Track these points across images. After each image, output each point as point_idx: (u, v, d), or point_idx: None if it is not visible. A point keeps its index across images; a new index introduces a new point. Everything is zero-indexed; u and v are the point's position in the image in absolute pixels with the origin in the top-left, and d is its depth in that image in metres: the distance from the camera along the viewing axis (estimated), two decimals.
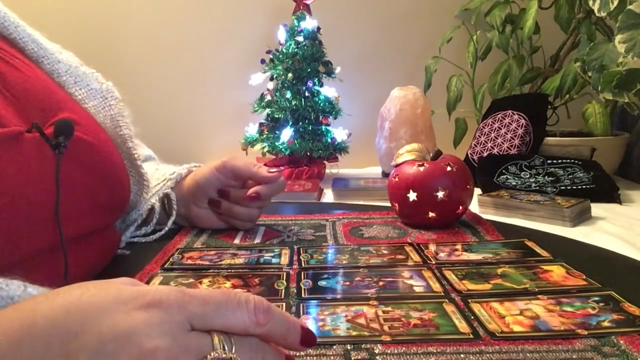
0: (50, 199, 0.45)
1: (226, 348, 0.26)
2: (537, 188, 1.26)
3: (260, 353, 0.28)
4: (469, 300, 0.44)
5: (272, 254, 0.58)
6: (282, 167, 1.57)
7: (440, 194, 0.65)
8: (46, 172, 0.45)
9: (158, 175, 0.70)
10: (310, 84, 1.61)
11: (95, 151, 0.53)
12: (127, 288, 0.27)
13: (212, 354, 0.26)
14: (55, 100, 0.52)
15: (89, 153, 0.52)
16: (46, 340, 0.24)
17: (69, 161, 0.48)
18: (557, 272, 0.50)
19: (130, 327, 0.25)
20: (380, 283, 0.48)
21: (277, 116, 1.62)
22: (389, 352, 0.36)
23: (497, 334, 0.38)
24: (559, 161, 1.36)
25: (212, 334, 0.27)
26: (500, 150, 1.50)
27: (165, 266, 0.54)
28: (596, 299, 0.44)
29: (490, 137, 1.54)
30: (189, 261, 0.56)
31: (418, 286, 0.48)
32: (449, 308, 0.42)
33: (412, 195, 0.66)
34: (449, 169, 0.67)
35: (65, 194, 0.46)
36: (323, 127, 1.63)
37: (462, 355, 0.35)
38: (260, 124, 1.66)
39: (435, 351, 0.36)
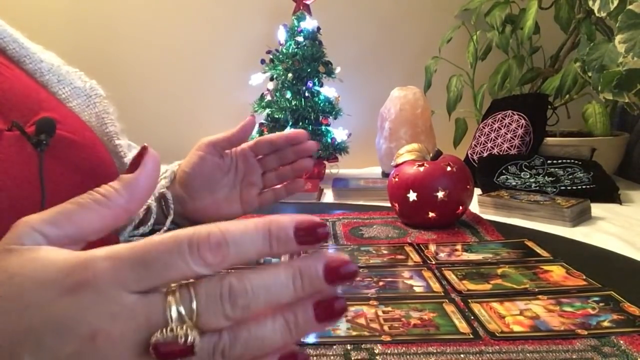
0: (35, 199, 0.44)
1: (184, 312, 0.22)
2: (537, 188, 1.26)
3: (240, 299, 0.23)
4: (469, 301, 0.44)
5: None
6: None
7: (440, 194, 0.65)
8: (29, 171, 0.44)
9: None
10: (310, 84, 1.61)
11: (80, 149, 0.52)
12: (52, 264, 0.24)
13: (163, 331, 0.22)
14: (36, 100, 0.51)
15: (74, 151, 0.51)
16: None
17: (53, 160, 0.47)
18: (557, 272, 0.50)
19: (63, 318, 0.23)
20: (380, 283, 0.48)
21: (277, 116, 1.62)
22: (389, 352, 0.36)
23: (497, 334, 0.38)
24: (559, 161, 1.36)
25: (165, 294, 0.23)
26: (500, 151, 1.50)
27: None
28: (596, 299, 0.44)
29: (490, 138, 1.54)
30: None
31: (418, 286, 0.48)
32: (449, 308, 0.42)
33: (412, 196, 0.66)
34: (449, 169, 0.67)
35: (51, 193, 0.45)
36: (323, 127, 1.63)
37: (462, 355, 0.35)
38: (260, 124, 1.66)
39: (435, 351, 0.36)
